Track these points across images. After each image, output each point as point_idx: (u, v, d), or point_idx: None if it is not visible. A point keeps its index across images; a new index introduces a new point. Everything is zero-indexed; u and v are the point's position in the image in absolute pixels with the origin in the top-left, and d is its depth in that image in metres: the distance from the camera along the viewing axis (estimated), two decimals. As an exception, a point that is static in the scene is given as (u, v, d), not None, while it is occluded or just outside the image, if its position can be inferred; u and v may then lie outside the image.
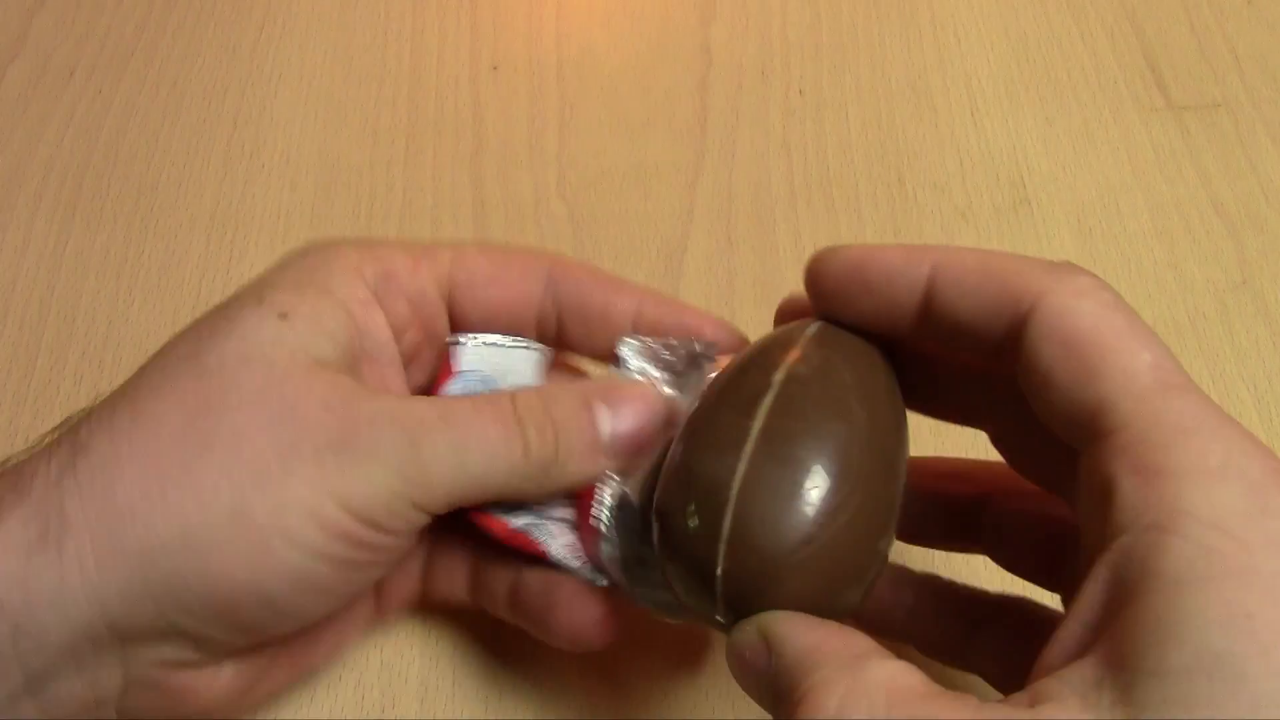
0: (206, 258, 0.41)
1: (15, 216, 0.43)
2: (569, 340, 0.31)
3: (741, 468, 0.23)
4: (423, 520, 0.26)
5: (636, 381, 0.29)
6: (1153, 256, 0.41)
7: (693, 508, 0.23)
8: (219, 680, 0.27)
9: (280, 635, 0.27)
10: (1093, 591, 0.20)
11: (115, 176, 0.44)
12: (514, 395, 0.27)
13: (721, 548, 0.23)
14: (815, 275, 0.26)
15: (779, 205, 0.42)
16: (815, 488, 0.23)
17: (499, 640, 0.33)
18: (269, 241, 0.42)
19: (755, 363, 0.25)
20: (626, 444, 0.28)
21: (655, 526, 0.25)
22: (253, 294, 0.27)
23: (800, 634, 0.22)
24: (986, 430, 0.27)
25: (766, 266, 0.41)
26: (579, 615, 0.28)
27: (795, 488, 0.23)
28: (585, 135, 0.44)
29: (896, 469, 0.25)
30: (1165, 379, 0.21)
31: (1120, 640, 0.19)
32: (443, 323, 0.31)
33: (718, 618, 0.24)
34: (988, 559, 0.29)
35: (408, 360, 0.30)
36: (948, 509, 0.29)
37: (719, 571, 0.23)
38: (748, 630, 0.23)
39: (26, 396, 0.38)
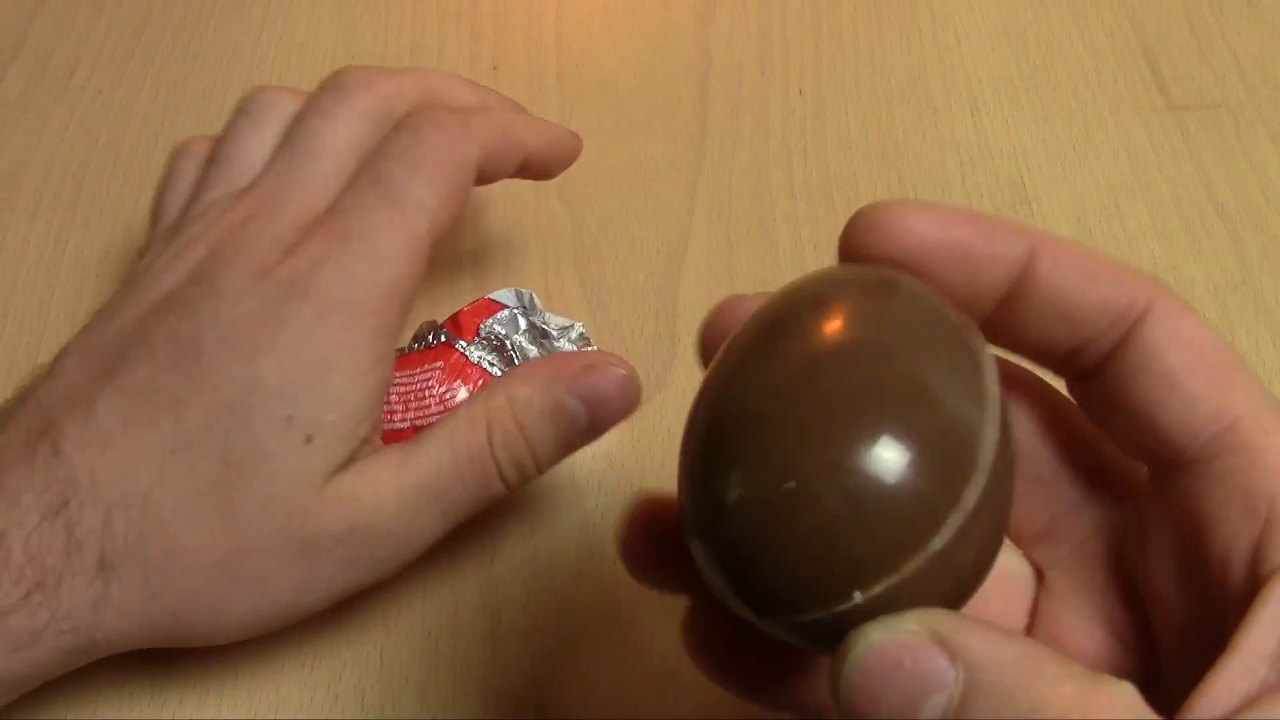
0: (206, 258, 0.41)
1: (15, 216, 0.43)
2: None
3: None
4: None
5: (598, 355, 0.31)
6: (1153, 256, 0.41)
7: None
8: None
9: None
10: (1268, 621, 0.17)
11: (115, 176, 0.44)
12: (490, 424, 0.28)
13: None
14: (886, 231, 0.21)
15: (779, 205, 0.42)
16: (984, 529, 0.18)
17: (499, 640, 0.33)
18: (269, 241, 0.42)
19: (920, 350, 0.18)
20: (607, 426, 0.29)
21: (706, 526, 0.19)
22: (275, 397, 0.26)
23: (1005, 648, 0.17)
24: None
25: (766, 266, 0.41)
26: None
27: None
28: (585, 135, 0.44)
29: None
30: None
31: None
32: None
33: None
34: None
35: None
36: None
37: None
38: (911, 626, 0.17)
39: (26, 396, 0.38)
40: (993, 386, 0.18)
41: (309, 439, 0.26)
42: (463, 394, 0.36)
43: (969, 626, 0.17)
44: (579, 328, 0.37)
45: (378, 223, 0.28)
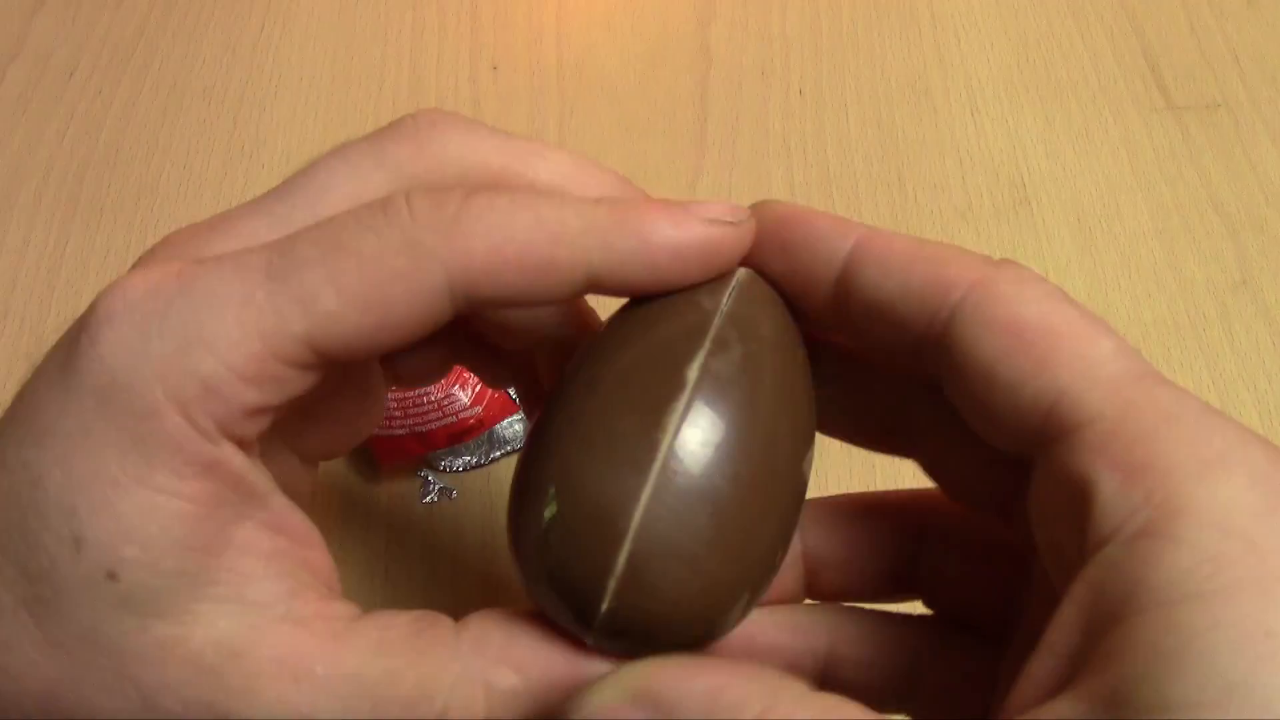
0: (206, 258, 0.41)
1: (15, 216, 0.43)
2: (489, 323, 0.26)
3: (645, 494, 0.19)
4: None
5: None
6: (1153, 256, 0.41)
7: (573, 523, 0.19)
8: None
9: None
10: (1070, 615, 0.17)
11: (115, 176, 0.44)
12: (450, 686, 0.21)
13: (611, 584, 0.19)
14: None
15: (779, 205, 0.43)
16: (734, 523, 0.20)
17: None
18: (269, 241, 0.42)
19: (661, 343, 0.21)
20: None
21: (513, 524, 0.21)
22: (60, 519, 0.20)
23: (691, 684, 0.18)
24: (917, 459, 0.24)
25: (766, 266, 0.41)
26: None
27: (710, 522, 0.19)
28: (585, 135, 0.44)
29: (805, 476, 0.22)
30: (1133, 367, 0.18)
31: (1107, 671, 0.16)
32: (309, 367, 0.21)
33: (586, 639, 0.21)
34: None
35: (317, 416, 0.24)
36: (878, 553, 0.24)
37: (604, 608, 0.19)
38: (614, 691, 0.19)
39: (26, 396, 0.38)
40: (692, 374, 0.20)
41: (111, 575, 0.20)
42: (462, 399, 0.36)
43: (664, 674, 0.18)
44: None
45: (226, 293, 0.20)
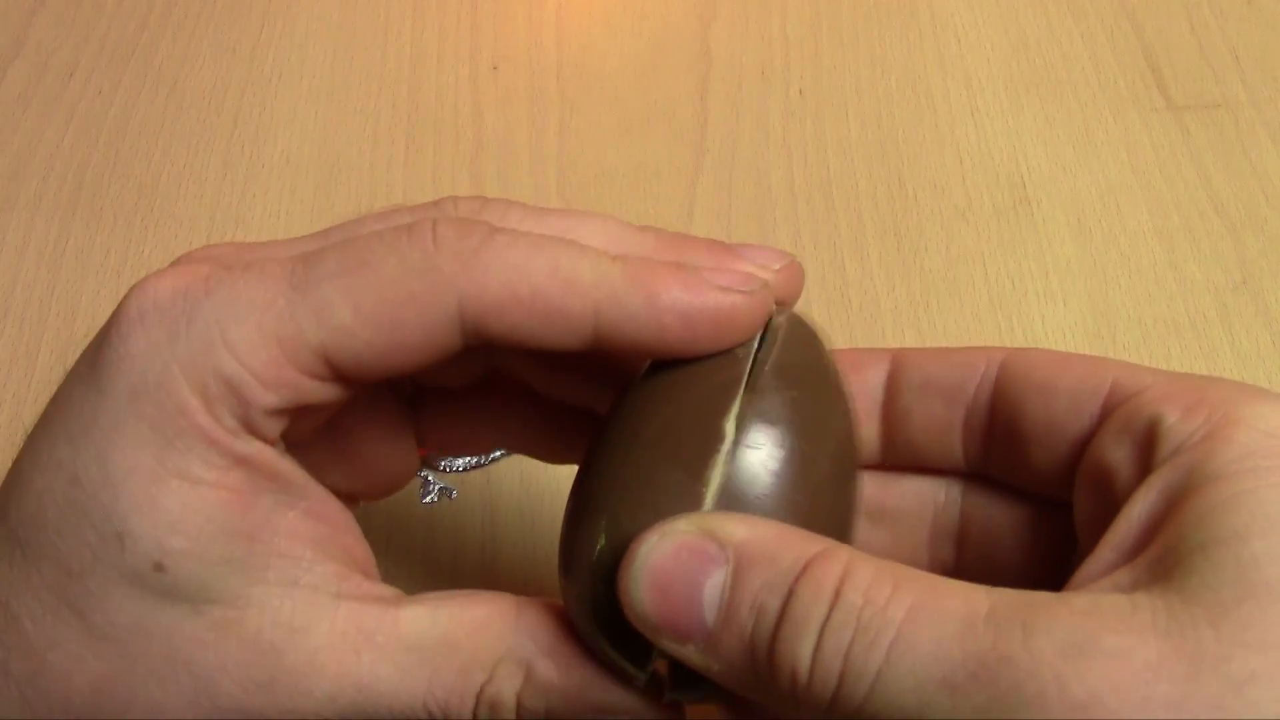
0: (206, 258, 0.41)
1: (15, 216, 0.43)
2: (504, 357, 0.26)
3: None
4: None
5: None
6: (1153, 256, 0.41)
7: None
8: None
9: None
10: (1133, 512, 0.19)
11: (115, 176, 0.44)
12: (491, 678, 0.22)
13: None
14: None
15: (779, 205, 0.42)
16: None
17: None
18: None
19: (700, 395, 0.21)
20: None
21: (564, 581, 0.22)
22: (101, 516, 0.20)
23: (751, 524, 0.20)
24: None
25: (766, 266, 0.41)
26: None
27: None
28: (585, 135, 0.44)
29: (851, 512, 0.23)
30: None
31: (1162, 539, 0.18)
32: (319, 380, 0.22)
33: (637, 679, 0.21)
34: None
35: (328, 433, 0.24)
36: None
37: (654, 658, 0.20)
38: (690, 525, 0.20)
39: (27, 396, 0.38)
40: (729, 427, 0.21)
41: (159, 567, 0.20)
42: None
43: (731, 517, 0.20)
44: None
45: (250, 298, 0.20)
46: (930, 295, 0.40)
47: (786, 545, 0.19)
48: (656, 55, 0.48)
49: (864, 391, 0.25)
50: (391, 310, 0.20)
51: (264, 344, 0.20)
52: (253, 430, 0.21)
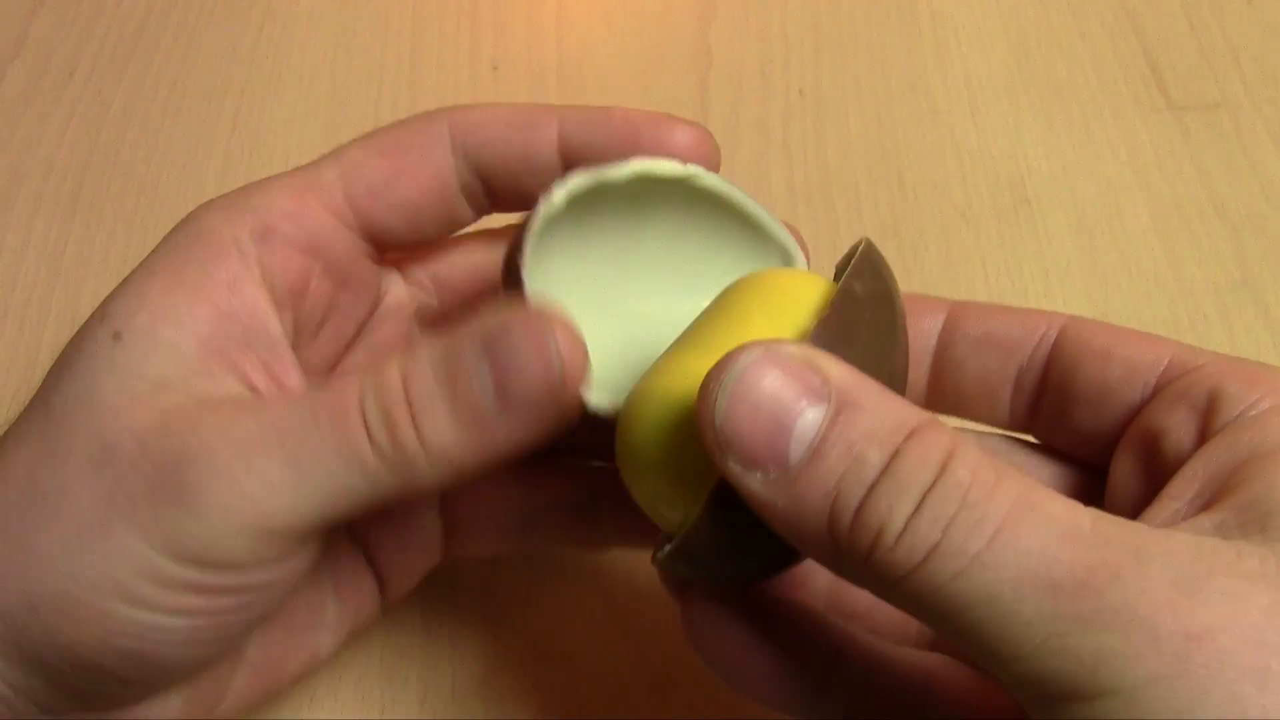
0: (206, 258, 0.41)
1: (15, 216, 0.43)
2: (504, 204, 0.28)
3: None
4: (295, 548, 0.22)
5: (534, 307, 0.22)
6: (1153, 256, 0.41)
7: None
8: (169, 708, 0.24)
9: (177, 683, 0.24)
10: (1198, 468, 0.20)
11: (115, 176, 0.44)
12: (364, 381, 0.22)
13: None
14: None
15: (779, 205, 0.42)
16: None
17: (499, 640, 0.33)
18: (269, 241, 0.42)
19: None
20: (527, 408, 0.21)
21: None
22: (100, 310, 0.24)
23: (857, 374, 0.19)
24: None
25: (766, 266, 0.41)
26: None
27: None
28: (585, 135, 0.44)
29: None
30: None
31: (1242, 492, 0.19)
32: (358, 256, 0.27)
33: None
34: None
35: (317, 321, 0.26)
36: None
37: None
38: (795, 352, 0.18)
39: (27, 397, 0.38)
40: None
41: (117, 335, 0.23)
42: None
43: (837, 361, 0.19)
44: None
45: (285, 180, 0.26)
46: (930, 294, 0.40)
47: (892, 404, 0.19)
48: (656, 55, 0.48)
49: (918, 336, 0.26)
50: (395, 137, 0.26)
51: (292, 187, 0.26)
52: (271, 277, 0.25)
